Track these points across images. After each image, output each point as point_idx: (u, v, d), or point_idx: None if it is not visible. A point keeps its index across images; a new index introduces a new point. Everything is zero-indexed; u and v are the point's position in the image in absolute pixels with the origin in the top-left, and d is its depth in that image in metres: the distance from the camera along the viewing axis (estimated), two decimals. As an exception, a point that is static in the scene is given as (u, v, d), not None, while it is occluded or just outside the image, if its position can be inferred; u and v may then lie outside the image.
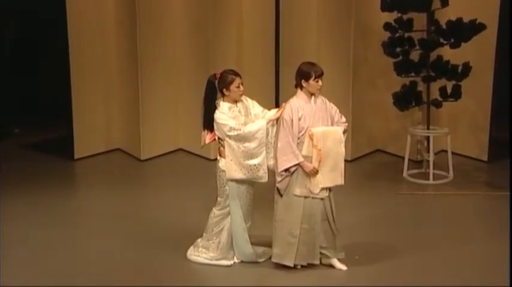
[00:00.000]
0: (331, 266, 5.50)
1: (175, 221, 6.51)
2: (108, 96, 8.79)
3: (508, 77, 7.87)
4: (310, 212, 5.34)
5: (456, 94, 7.57)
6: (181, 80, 8.71)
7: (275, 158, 5.31)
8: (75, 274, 5.51)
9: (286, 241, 5.38)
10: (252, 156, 5.30)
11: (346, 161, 5.69)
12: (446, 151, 7.88)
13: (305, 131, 5.25)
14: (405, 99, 7.63)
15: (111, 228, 6.41)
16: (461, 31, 7.32)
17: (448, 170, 7.81)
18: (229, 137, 5.31)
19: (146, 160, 8.52)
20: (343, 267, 5.48)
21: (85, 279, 5.41)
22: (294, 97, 5.35)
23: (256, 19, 8.67)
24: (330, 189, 5.38)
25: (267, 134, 5.35)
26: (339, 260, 5.51)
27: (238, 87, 5.38)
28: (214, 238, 5.59)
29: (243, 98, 5.47)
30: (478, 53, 7.73)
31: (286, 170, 5.26)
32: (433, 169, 7.68)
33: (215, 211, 5.56)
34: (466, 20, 7.30)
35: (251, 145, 5.30)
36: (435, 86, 7.68)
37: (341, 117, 5.43)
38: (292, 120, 5.24)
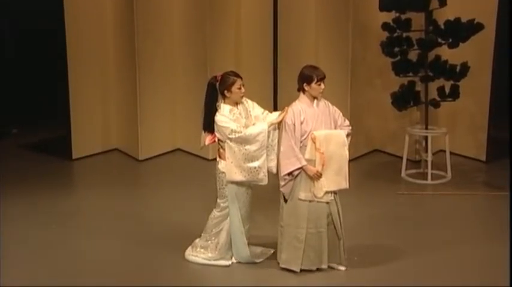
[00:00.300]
0: (330, 267, 5.49)
1: (174, 221, 6.50)
2: (106, 96, 8.79)
3: (506, 76, 7.88)
4: (316, 216, 5.31)
5: (454, 94, 7.57)
6: (179, 81, 8.71)
7: (278, 162, 5.29)
8: (74, 274, 5.51)
9: (292, 246, 5.36)
10: (252, 158, 5.28)
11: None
12: (445, 151, 7.89)
13: (308, 135, 5.23)
14: (403, 99, 7.63)
15: (110, 228, 6.41)
16: (460, 31, 7.32)
17: (446, 170, 7.82)
18: (230, 139, 5.28)
19: (144, 160, 8.53)
20: (342, 267, 5.48)
21: (84, 279, 5.41)
22: (297, 101, 5.32)
23: (255, 19, 8.66)
24: (335, 193, 5.35)
25: (268, 137, 5.31)
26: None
27: (240, 88, 5.35)
28: (213, 238, 5.58)
29: (244, 99, 5.45)
30: (476, 53, 7.75)
31: (289, 173, 5.24)
32: (432, 169, 7.68)
33: (215, 213, 5.55)
34: (464, 19, 7.30)
35: (252, 148, 5.27)
36: (433, 86, 7.69)
37: (344, 120, 5.41)
38: (294, 124, 5.22)
